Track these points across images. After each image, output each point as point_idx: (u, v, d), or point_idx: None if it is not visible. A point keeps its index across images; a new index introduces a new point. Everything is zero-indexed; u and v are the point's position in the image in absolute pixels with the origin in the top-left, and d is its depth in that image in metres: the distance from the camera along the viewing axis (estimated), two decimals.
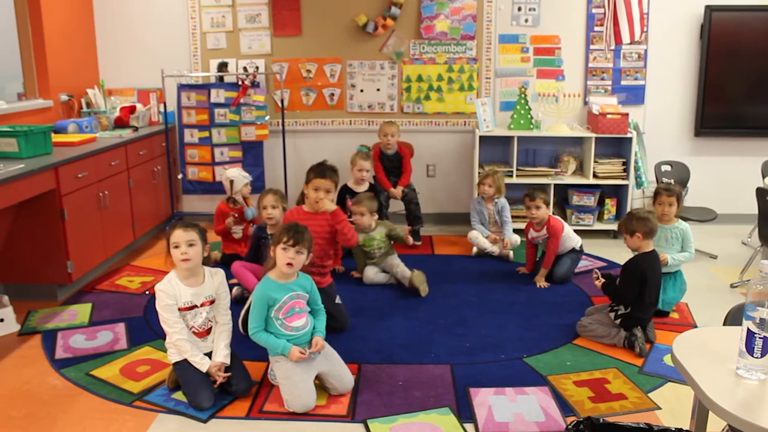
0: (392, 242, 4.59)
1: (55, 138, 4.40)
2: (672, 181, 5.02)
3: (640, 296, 3.46)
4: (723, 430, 2.37)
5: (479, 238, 4.97)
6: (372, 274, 4.47)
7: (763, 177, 4.94)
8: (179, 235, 2.90)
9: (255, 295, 2.94)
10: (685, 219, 4.13)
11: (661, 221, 3.88)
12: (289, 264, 2.92)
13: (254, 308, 2.93)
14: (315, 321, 3.06)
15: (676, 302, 3.96)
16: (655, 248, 3.60)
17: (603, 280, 3.62)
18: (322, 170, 3.74)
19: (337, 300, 3.74)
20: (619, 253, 4.96)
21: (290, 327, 2.94)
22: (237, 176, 4.83)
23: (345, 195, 5.03)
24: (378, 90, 5.76)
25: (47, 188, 3.85)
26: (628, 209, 5.35)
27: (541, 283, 4.40)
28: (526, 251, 4.69)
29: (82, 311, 3.99)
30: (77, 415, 2.86)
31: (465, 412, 2.86)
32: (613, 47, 5.18)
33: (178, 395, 2.99)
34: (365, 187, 5.04)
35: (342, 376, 3.03)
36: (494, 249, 4.92)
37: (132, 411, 2.89)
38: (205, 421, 2.81)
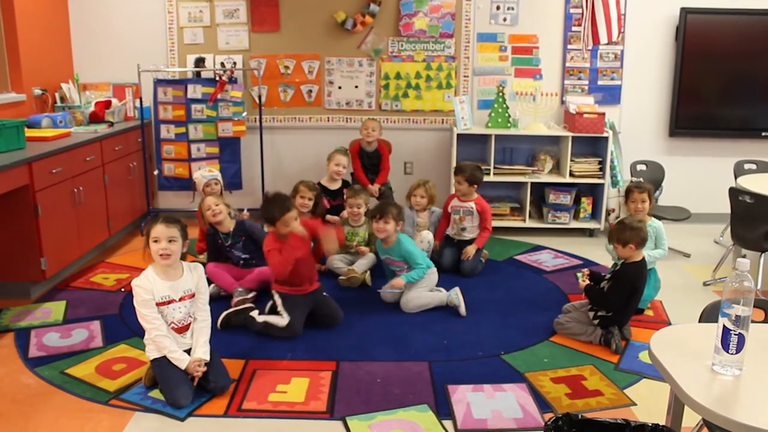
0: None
1: (29, 133, 4.32)
2: (642, 179, 5.08)
3: (626, 304, 3.50)
4: (697, 425, 2.42)
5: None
6: (336, 260, 4.49)
7: (736, 177, 5.02)
8: (160, 230, 2.87)
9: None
10: (659, 218, 4.18)
11: None
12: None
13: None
14: None
15: (651, 300, 4.02)
16: None
17: (587, 282, 3.62)
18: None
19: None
20: (595, 251, 5.02)
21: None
22: (198, 177, 4.57)
23: (321, 193, 5.01)
24: (356, 87, 5.75)
25: (20, 184, 3.78)
26: (604, 208, 5.43)
27: (469, 253, 4.52)
28: (438, 225, 4.74)
29: (56, 309, 3.93)
30: (51, 414, 2.81)
31: (443, 408, 2.88)
32: (590, 47, 5.23)
33: (155, 393, 2.96)
34: (339, 184, 5.04)
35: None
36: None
37: (108, 410, 2.86)
38: (182, 420, 2.78)
